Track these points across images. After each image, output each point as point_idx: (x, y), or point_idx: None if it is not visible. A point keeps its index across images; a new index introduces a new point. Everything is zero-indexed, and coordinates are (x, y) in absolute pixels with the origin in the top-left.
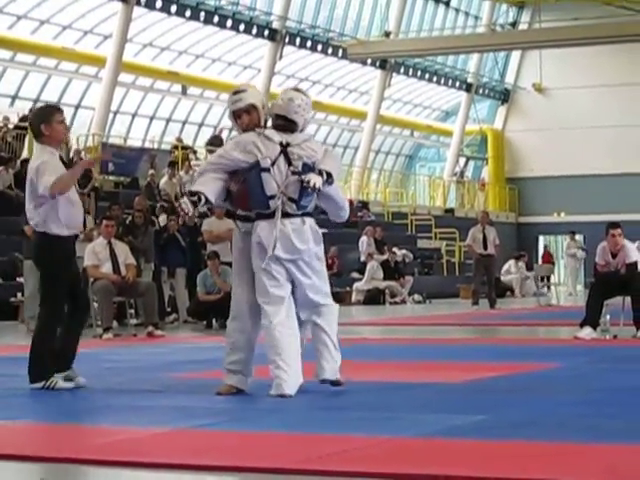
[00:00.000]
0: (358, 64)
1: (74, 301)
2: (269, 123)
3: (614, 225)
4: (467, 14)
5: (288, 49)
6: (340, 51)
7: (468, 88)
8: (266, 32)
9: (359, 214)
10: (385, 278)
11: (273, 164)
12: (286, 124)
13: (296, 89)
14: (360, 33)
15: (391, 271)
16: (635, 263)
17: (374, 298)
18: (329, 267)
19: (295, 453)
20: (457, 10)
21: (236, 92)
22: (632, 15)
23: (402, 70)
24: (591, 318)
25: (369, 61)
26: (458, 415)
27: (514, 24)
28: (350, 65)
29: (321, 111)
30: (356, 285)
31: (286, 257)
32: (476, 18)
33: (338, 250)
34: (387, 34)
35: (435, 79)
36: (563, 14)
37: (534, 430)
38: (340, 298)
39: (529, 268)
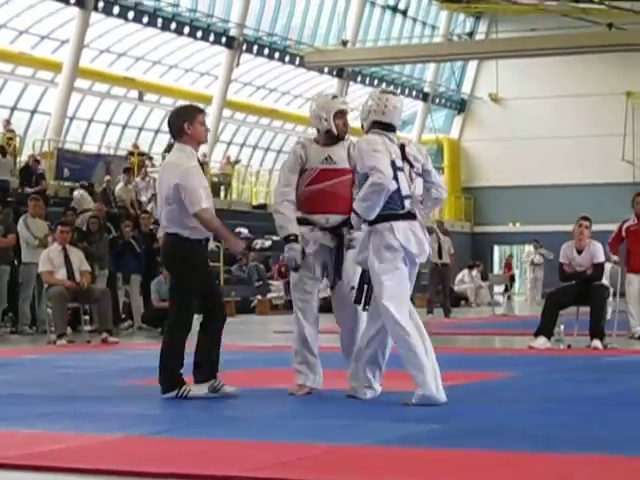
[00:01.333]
0: (315, 72)
1: (208, 307)
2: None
3: (585, 217)
4: (424, 24)
5: (245, 56)
6: (297, 59)
7: (425, 97)
8: (223, 39)
9: None
10: None
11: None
12: (388, 129)
13: (391, 92)
14: (317, 41)
15: None
16: (602, 264)
17: (329, 306)
18: (282, 275)
19: (249, 461)
20: (414, 20)
21: (336, 96)
22: (588, 27)
23: (359, 79)
24: (545, 328)
25: (326, 69)
26: (413, 424)
27: (471, 34)
28: (307, 73)
29: (278, 119)
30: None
31: (419, 260)
32: (433, 28)
33: None
34: (344, 43)
35: (392, 88)
36: (520, 25)
37: (488, 439)
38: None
39: (484, 277)
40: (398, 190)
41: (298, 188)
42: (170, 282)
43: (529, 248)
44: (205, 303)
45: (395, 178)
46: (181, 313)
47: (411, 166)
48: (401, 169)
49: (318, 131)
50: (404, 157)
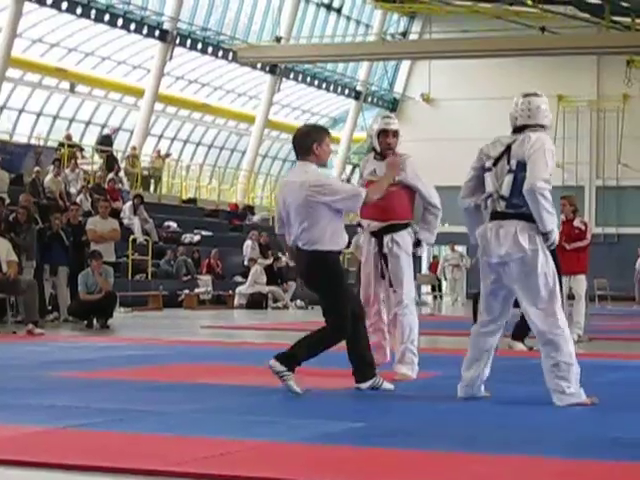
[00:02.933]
0: (248, 68)
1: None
2: None
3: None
4: (358, 22)
5: (178, 50)
6: (230, 54)
7: (357, 96)
8: (157, 32)
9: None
10: (268, 283)
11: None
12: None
13: (534, 94)
14: (251, 37)
15: (274, 276)
16: None
17: (257, 302)
18: (211, 270)
19: (172, 455)
20: (348, 18)
21: (385, 116)
22: (521, 30)
23: (292, 75)
24: None
25: (259, 65)
26: (336, 421)
27: (404, 34)
28: (240, 69)
29: (209, 114)
30: (239, 289)
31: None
32: (367, 26)
33: (222, 253)
34: (278, 39)
35: (324, 86)
36: (453, 26)
37: (410, 438)
38: (222, 301)
39: None
40: None
41: None
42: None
43: (447, 250)
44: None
45: None
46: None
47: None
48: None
49: None
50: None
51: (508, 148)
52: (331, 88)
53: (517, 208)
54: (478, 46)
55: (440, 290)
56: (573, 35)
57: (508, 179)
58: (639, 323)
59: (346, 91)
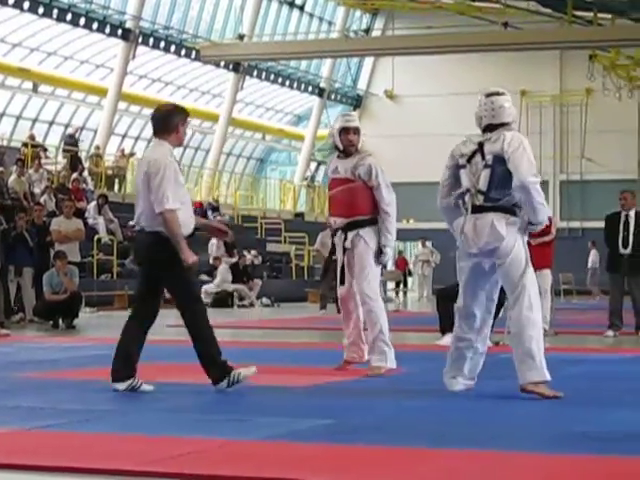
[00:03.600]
0: (211, 66)
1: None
2: None
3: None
4: (321, 19)
5: (141, 49)
6: (193, 52)
7: (320, 93)
8: (119, 31)
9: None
10: (234, 281)
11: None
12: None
13: (496, 93)
14: (214, 35)
15: (240, 274)
16: None
17: (222, 301)
18: None
19: (139, 455)
20: (311, 15)
21: (345, 114)
22: (484, 25)
23: (255, 73)
24: (446, 325)
25: (222, 63)
26: (303, 419)
27: (367, 31)
28: (203, 67)
29: None
30: (205, 287)
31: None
32: (330, 23)
33: None
34: (241, 37)
35: (288, 83)
36: (416, 22)
37: (378, 435)
38: None
39: None
40: None
41: None
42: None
43: (419, 246)
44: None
45: None
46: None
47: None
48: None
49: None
50: None
51: (480, 146)
52: (294, 85)
53: (495, 201)
54: (441, 42)
55: (405, 286)
56: (536, 30)
57: (485, 173)
58: (603, 317)
59: (309, 88)
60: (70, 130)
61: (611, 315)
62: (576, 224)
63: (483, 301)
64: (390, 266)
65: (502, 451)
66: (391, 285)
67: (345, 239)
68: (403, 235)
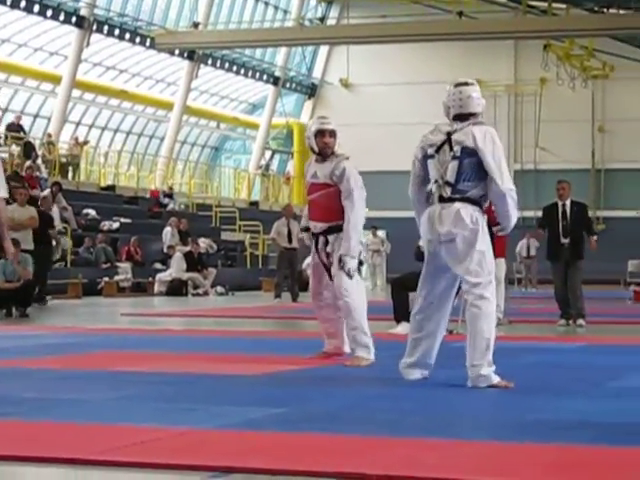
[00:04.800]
0: (166, 54)
1: None
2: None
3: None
4: (276, 8)
5: (96, 37)
6: (148, 40)
7: (275, 81)
8: (74, 19)
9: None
10: (188, 270)
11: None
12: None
13: (465, 83)
14: (169, 23)
15: (194, 263)
16: None
17: (177, 289)
18: (131, 257)
19: (93, 444)
20: (266, 3)
21: (321, 117)
22: (439, 14)
23: (210, 61)
24: (401, 313)
25: (177, 51)
26: (258, 407)
27: (322, 19)
28: (158, 55)
29: (127, 100)
30: (159, 276)
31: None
32: (285, 12)
33: (142, 240)
34: (196, 25)
35: (242, 71)
36: (371, 11)
37: (335, 423)
38: (142, 288)
39: None
40: None
41: None
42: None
43: (370, 236)
44: None
45: None
46: None
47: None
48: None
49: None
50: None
51: (449, 135)
52: (249, 74)
53: (462, 193)
54: (396, 31)
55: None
56: (491, 20)
57: (453, 165)
58: (554, 306)
59: (264, 77)
60: (13, 119)
61: (560, 304)
62: (530, 213)
63: (441, 290)
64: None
65: (456, 439)
66: None
67: (327, 243)
68: None
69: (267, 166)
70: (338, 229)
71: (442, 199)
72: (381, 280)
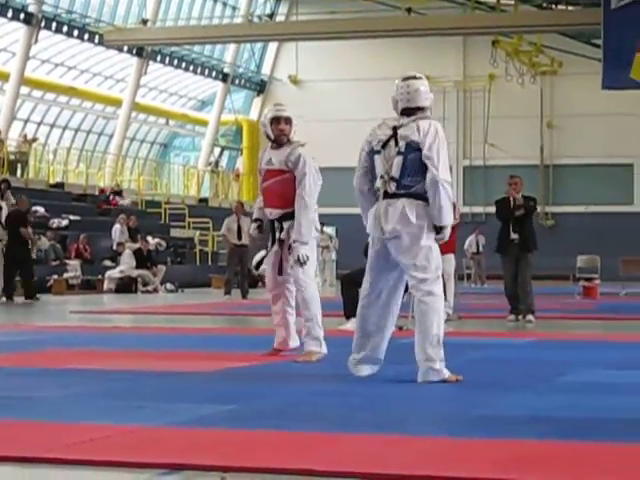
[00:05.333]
0: (115, 51)
1: None
2: None
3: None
4: (225, 4)
5: (44, 33)
6: (97, 37)
7: (224, 78)
8: (22, 15)
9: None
10: (138, 267)
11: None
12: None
13: (413, 77)
14: (117, 20)
15: (144, 260)
16: None
17: (126, 286)
18: (80, 254)
19: (41, 441)
20: (215, 0)
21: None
22: (388, 10)
23: (158, 58)
24: (350, 309)
25: (125, 48)
26: (208, 404)
27: (271, 16)
28: (107, 52)
29: (76, 97)
30: (108, 273)
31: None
32: (234, 8)
33: (91, 238)
34: (144, 21)
35: (191, 68)
36: (320, 7)
37: (284, 419)
38: (92, 286)
39: None
40: None
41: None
42: None
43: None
44: None
45: None
46: None
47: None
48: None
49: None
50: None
51: (395, 130)
52: (198, 70)
53: (407, 189)
54: (345, 27)
55: None
56: (439, 16)
57: (398, 160)
58: (504, 301)
59: (213, 73)
60: None
61: (509, 299)
62: (479, 209)
63: (388, 285)
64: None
65: (405, 435)
66: None
67: (281, 230)
68: None
69: (216, 163)
70: (293, 216)
71: (387, 195)
72: (330, 276)
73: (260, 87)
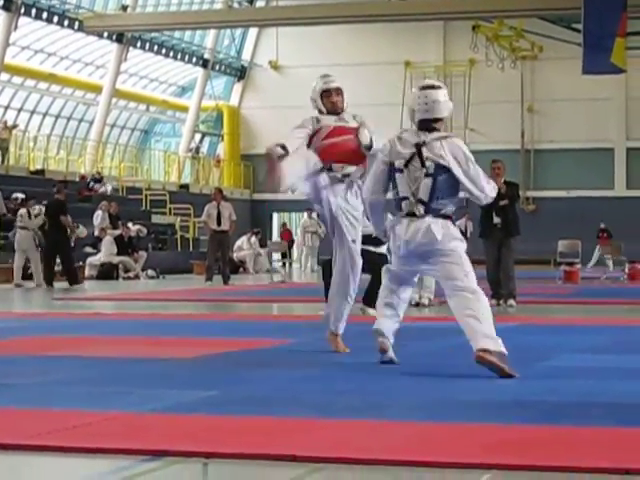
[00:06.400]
0: (95, 37)
1: None
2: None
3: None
4: None
5: (24, 20)
6: (77, 23)
7: (205, 64)
8: (1, 2)
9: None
10: (119, 253)
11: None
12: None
13: (431, 86)
14: (97, 6)
15: (125, 246)
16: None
17: (107, 273)
18: None
19: (24, 428)
20: None
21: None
22: None
23: (139, 44)
24: None
25: (105, 34)
26: (190, 390)
27: (251, 1)
28: (87, 38)
29: (56, 84)
30: (89, 260)
31: None
32: None
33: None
34: (124, 7)
35: (172, 54)
36: None
37: (266, 406)
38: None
39: (262, 245)
40: None
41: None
42: None
43: (305, 217)
44: None
45: None
46: None
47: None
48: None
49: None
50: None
51: (418, 148)
52: (178, 56)
53: (436, 212)
54: (325, 13)
55: (290, 257)
56: (419, 1)
57: (426, 182)
58: (485, 286)
59: (194, 59)
60: None
61: (491, 285)
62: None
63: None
64: (275, 237)
65: (388, 420)
66: (276, 256)
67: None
68: (288, 206)
69: (197, 149)
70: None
71: (413, 215)
72: (312, 262)
73: (240, 73)
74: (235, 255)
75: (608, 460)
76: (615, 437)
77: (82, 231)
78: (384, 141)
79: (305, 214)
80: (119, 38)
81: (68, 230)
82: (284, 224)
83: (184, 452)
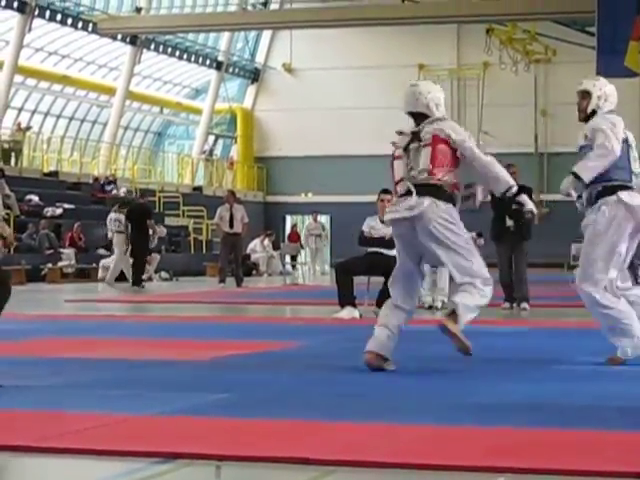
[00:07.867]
0: (108, 39)
1: None
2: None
3: (385, 191)
4: None
5: (38, 22)
6: (91, 25)
7: (218, 66)
8: (15, 4)
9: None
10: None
11: None
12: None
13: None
14: (111, 8)
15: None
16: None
17: (121, 275)
18: (74, 243)
19: (35, 430)
20: None
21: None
22: None
23: (152, 46)
24: (345, 297)
25: (119, 36)
26: (202, 393)
27: (265, 3)
28: (100, 40)
29: (70, 86)
30: (103, 262)
31: None
32: None
33: (85, 226)
34: (138, 10)
35: (185, 56)
36: None
37: (279, 408)
38: (86, 274)
39: (276, 247)
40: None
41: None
42: None
43: (310, 220)
44: None
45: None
46: None
47: None
48: None
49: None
50: None
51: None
52: (192, 59)
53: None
54: (339, 15)
55: (296, 260)
56: (434, 4)
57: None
58: (498, 289)
59: (207, 62)
60: None
61: (504, 287)
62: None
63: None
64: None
65: (397, 423)
66: (290, 259)
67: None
68: (301, 209)
69: (211, 151)
70: None
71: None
72: (321, 265)
73: (254, 75)
74: (249, 258)
75: (623, 463)
76: (630, 440)
77: (162, 231)
78: None
79: (310, 217)
80: (133, 40)
81: (150, 232)
82: (294, 226)
83: (197, 454)
